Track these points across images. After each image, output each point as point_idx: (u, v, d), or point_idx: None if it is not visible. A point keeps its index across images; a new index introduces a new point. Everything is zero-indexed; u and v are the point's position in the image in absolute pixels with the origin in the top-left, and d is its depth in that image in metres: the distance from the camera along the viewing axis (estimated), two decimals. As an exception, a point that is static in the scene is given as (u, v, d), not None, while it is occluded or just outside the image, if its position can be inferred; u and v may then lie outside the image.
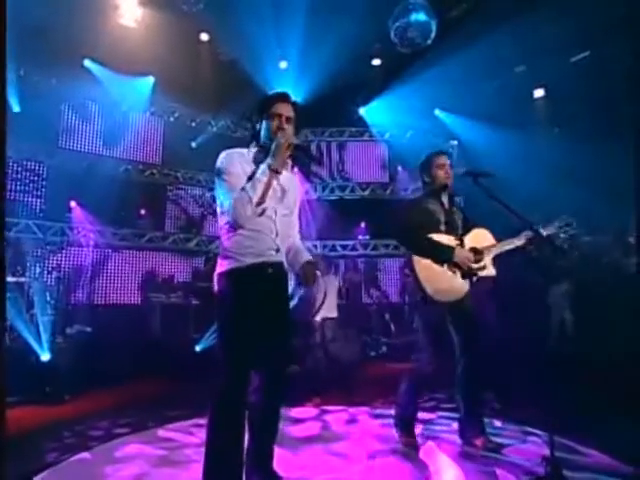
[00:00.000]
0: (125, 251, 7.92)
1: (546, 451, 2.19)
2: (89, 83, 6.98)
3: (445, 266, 2.71)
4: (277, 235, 2.14)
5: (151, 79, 7.74)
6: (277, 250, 2.14)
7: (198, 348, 6.14)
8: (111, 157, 7.83)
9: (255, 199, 1.99)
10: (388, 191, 9.50)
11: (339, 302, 7.49)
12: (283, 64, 8.77)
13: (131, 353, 5.63)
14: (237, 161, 2.10)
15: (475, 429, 2.82)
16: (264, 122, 2.15)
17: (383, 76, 8.89)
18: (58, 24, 5.91)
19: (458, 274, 2.71)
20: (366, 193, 9.57)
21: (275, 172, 2.02)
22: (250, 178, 2.03)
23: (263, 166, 2.02)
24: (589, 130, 7.30)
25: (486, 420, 2.97)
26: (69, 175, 6.99)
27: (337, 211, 9.29)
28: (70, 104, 7.32)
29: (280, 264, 2.17)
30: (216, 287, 2.12)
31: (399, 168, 9.66)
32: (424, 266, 2.72)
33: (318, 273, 2.32)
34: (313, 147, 9.99)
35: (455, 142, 9.44)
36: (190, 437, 3.19)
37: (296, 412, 3.85)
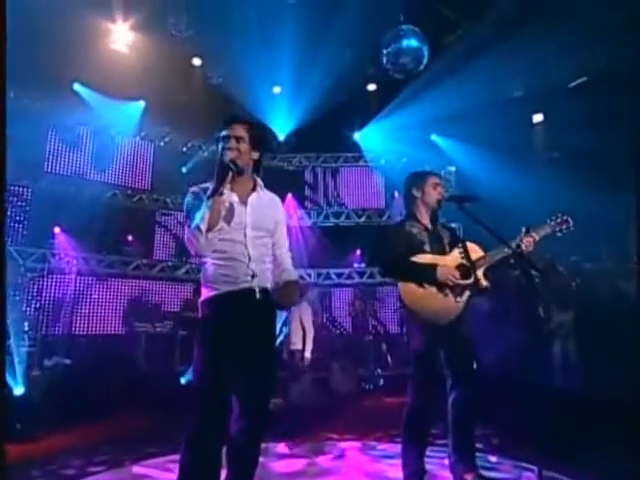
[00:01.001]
0: (110, 279, 7.85)
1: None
2: (78, 107, 7.09)
3: (434, 288, 2.63)
4: (250, 260, 2.10)
5: (141, 103, 7.86)
6: (252, 276, 2.10)
7: (183, 380, 6.01)
8: (99, 182, 7.86)
9: (203, 227, 1.97)
10: (384, 217, 9.53)
11: (337, 332, 7.48)
12: (276, 89, 8.95)
13: (112, 386, 5.49)
14: (194, 198, 2.14)
15: (466, 464, 2.70)
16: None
17: (378, 101, 9.07)
18: (49, 47, 6.03)
19: (449, 294, 2.63)
20: (362, 220, 9.60)
21: (218, 194, 2.00)
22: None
23: (209, 194, 2.02)
24: (589, 156, 7.40)
25: (481, 455, 2.90)
26: (54, 200, 6.99)
27: (332, 238, 9.29)
28: (58, 128, 7.39)
29: (258, 290, 2.12)
30: (199, 315, 2.14)
31: (395, 194, 9.72)
32: (410, 290, 2.66)
33: (297, 294, 2.27)
34: (307, 173, 10.12)
35: (453, 168, 9.55)
36: (166, 473, 3.10)
37: (281, 447, 3.77)
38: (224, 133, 2.14)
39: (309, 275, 9.14)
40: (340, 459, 3.49)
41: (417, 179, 2.89)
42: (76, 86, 7.06)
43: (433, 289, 2.62)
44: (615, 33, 6.86)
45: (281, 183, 9.77)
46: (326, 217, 9.68)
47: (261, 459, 3.33)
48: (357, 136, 9.60)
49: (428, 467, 2.80)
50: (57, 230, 7.15)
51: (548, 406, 4.77)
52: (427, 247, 2.75)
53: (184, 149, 8.85)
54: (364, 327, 8.82)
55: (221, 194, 2.02)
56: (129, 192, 8.20)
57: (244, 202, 2.15)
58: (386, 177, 9.76)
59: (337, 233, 9.38)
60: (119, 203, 8.00)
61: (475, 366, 2.72)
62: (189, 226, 2.04)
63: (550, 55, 7.45)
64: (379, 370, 7.24)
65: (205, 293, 2.12)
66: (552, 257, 7.33)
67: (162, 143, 8.68)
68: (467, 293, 2.64)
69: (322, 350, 7.07)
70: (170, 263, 8.46)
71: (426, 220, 2.83)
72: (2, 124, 1.30)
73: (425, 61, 6.36)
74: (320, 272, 9.21)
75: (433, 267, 2.61)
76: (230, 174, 2.03)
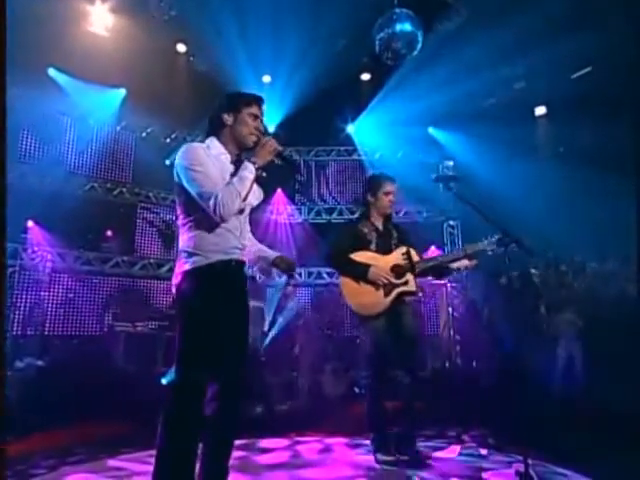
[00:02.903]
0: (88, 276, 7.83)
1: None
2: (54, 94, 7.06)
3: (367, 284, 3.14)
4: (241, 234, 2.29)
5: (122, 91, 7.84)
6: (241, 249, 2.29)
7: (164, 381, 6.00)
8: (76, 174, 7.83)
9: (244, 194, 2.12)
10: (379, 213, 9.57)
11: (329, 333, 7.50)
12: (266, 78, 8.96)
13: (87, 389, 5.44)
14: (205, 154, 2.19)
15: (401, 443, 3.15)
16: (238, 118, 2.27)
17: (373, 92, 9.11)
18: (22, 29, 6.01)
19: (380, 290, 3.15)
20: (355, 216, 9.55)
21: (261, 171, 2.20)
22: (233, 175, 2.18)
23: (249, 165, 2.17)
24: (595, 150, 7.46)
25: (472, 449, 3.27)
26: (28, 192, 6.96)
27: (324, 235, 9.32)
28: (33, 116, 7.36)
29: (244, 263, 2.33)
30: (179, 287, 2.17)
31: (391, 189, 9.78)
32: (345, 282, 3.19)
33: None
34: (299, 167, 10.14)
35: (451, 162, 9.61)
36: (143, 466, 3.11)
37: (266, 442, 3.88)
38: (253, 112, 2.28)
39: (300, 274, 9.16)
40: (325, 452, 3.60)
41: (372, 185, 3.40)
42: (51, 71, 7.04)
43: (366, 284, 3.14)
44: (620, 20, 6.96)
45: (271, 177, 9.79)
46: (318, 213, 9.71)
47: (245, 453, 3.44)
48: (350, 128, 9.64)
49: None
50: (30, 224, 7.12)
51: (547, 408, 4.84)
52: (373, 246, 3.26)
53: (167, 140, 8.84)
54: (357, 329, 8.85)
55: (261, 171, 2.22)
56: (108, 185, 8.17)
57: None
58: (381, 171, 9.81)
59: (329, 230, 9.41)
60: (98, 196, 7.97)
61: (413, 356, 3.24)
62: (221, 190, 2.08)
63: (553, 45, 7.51)
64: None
65: (189, 263, 2.16)
66: (555, 256, 7.40)
67: (144, 134, 8.67)
68: (396, 292, 3.15)
69: (313, 352, 7.09)
70: (152, 260, 8.45)
71: (378, 222, 3.36)
72: (2, 124, 1.34)
73: (419, 46, 6.40)
74: (311, 271, 9.23)
75: (367, 267, 3.11)
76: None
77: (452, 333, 8.59)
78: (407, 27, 6.16)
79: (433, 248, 8.34)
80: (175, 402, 2.04)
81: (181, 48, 8.22)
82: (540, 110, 8.96)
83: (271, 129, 9.41)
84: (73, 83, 7.19)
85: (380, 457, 3.11)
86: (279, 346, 7.09)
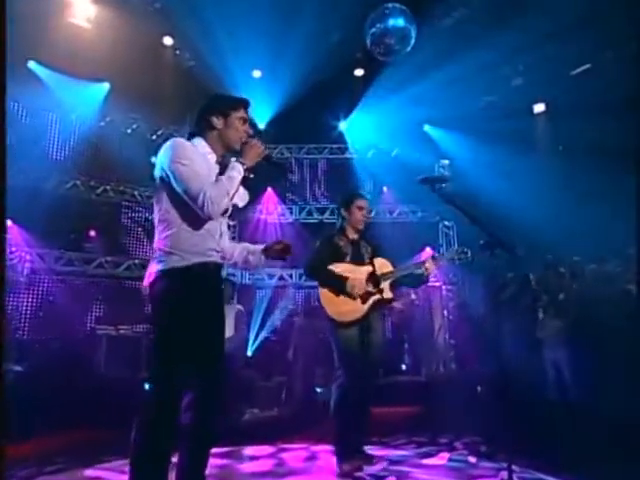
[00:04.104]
0: (69, 277, 7.79)
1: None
2: (35, 88, 7.02)
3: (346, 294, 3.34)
4: (220, 237, 2.29)
5: (106, 85, 7.83)
6: (219, 252, 2.29)
7: (147, 386, 5.97)
8: (57, 171, 7.78)
9: (232, 193, 2.15)
10: (372, 213, 9.56)
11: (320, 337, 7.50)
12: (257, 73, 8.96)
13: (67, 394, 5.44)
14: (192, 150, 2.21)
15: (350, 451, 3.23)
16: (227, 122, 2.31)
17: (367, 88, 9.11)
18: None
19: (357, 299, 3.37)
20: (347, 216, 9.61)
21: (248, 172, 2.22)
22: (220, 174, 2.21)
23: (238, 165, 2.20)
24: (594, 148, 7.48)
25: (461, 457, 3.30)
26: (6, 190, 6.92)
27: (316, 236, 9.30)
28: (12, 110, 7.32)
29: (221, 267, 2.33)
30: (153, 287, 2.17)
31: (384, 189, 9.79)
32: (324, 292, 3.40)
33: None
34: (290, 165, 10.12)
35: (447, 162, 9.63)
36: (121, 476, 3.08)
37: (250, 450, 3.89)
38: (245, 115, 2.35)
39: (290, 276, 9.16)
40: (311, 460, 3.62)
41: (345, 201, 3.64)
42: (31, 64, 7.01)
43: (344, 294, 3.35)
44: (620, 16, 7.00)
45: (260, 176, 9.77)
46: (309, 213, 9.72)
47: (228, 461, 3.45)
48: (343, 126, 9.67)
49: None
50: (9, 223, 7.07)
51: (543, 415, 4.85)
52: (348, 258, 3.51)
53: (153, 137, 8.81)
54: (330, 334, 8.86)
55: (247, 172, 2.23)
56: (92, 183, 8.14)
57: None
58: (374, 170, 9.79)
59: (321, 230, 9.40)
60: (80, 195, 7.95)
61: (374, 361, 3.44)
62: (195, 178, 2.10)
63: (552, 41, 7.54)
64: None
65: (165, 263, 2.15)
66: (554, 258, 7.42)
67: (129, 130, 8.64)
68: (372, 300, 3.40)
69: (303, 356, 7.08)
70: (137, 261, 8.41)
71: (353, 235, 3.61)
72: (2, 124, 1.41)
73: (412, 42, 6.42)
74: (302, 272, 9.22)
75: (345, 279, 3.34)
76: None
77: (447, 337, 8.61)
78: (400, 22, 6.18)
79: (428, 249, 8.35)
80: (149, 408, 2.04)
81: (167, 41, 8.20)
82: (539, 107, 8.99)
83: (261, 126, 9.42)
84: (54, 77, 7.17)
85: (345, 467, 3.18)
86: (267, 350, 7.09)
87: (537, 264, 7.22)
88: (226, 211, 2.22)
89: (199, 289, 2.15)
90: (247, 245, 2.52)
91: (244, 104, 2.37)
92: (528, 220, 8.01)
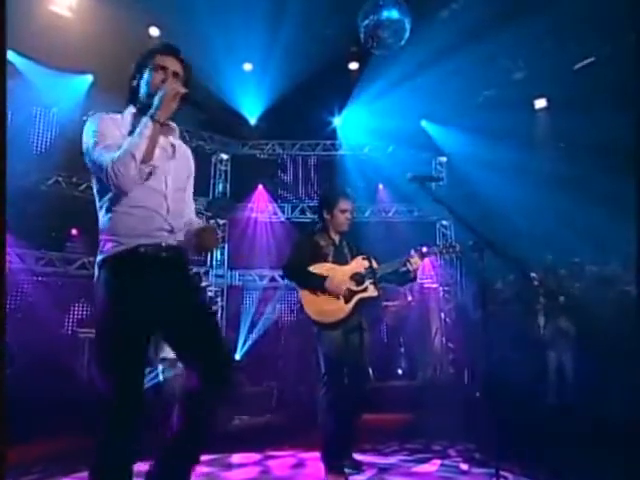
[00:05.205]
0: (50, 278, 7.73)
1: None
2: (12, 79, 6.95)
3: (326, 293, 3.28)
4: (169, 212, 2.08)
5: (89, 77, 7.74)
6: (170, 231, 2.08)
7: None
8: (38, 167, 7.69)
9: (138, 155, 1.92)
10: (367, 212, 9.54)
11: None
12: (247, 66, 8.88)
13: (47, 400, 5.40)
14: (112, 124, 2.08)
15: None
16: (144, 76, 2.14)
17: (361, 82, 9.07)
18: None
19: (340, 299, 3.31)
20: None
21: (159, 124, 2.01)
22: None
23: (145, 118, 2.00)
24: (597, 146, 7.46)
25: (453, 464, 3.35)
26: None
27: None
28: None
29: (175, 248, 2.10)
30: (94, 278, 2.04)
31: (379, 186, 9.76)
32: (305, 293, 3.34)
33: (219, 237, 2.28)
34: (281, 162, 10.10)
35: (444, 159, 9.62)
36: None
37: (236, 457, 3.88)
38: (163, 64, 2.13)
39: (281, 277, 9.11)
40: (298, 468, 3.62)
41: (328, 202, 3.52)
42: (10, 55, 6.93)
43: (325, 294, 3.28)
44: (626, 6, 6.97)
45: (251, 173, 9.75)
46: (302, 212, 9.67)
47: (211, 469, 3.43)
48: (337, 121, 9.61)
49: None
50: (-15, 222, 7.01)
51: (543, 420, 4.83)
52: (330, 258, 3.43)
53: (139, 132, 8.74)
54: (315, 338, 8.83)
55: (162, 124, 2.02)
56: (74, 179, 8.04)
57: (168, 147, 2.15)
58: (369, 167, 9.74)
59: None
60: (62, 191, 7.86)
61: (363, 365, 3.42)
62: (113, 153, 1.93)
63: (554, 32, 7.52)
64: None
65: (106, 250, 2.01)
66: (553, 259, 7.41)
67: (113, 124, 8.56)
68: (356, 298, 3.33)
69: (294, 360, 7.06)
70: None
71: (335, 236, 3.52)
72: (2, 124, 1.41)
73: (407, 35, 6.38)
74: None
75: (324, 278, 3.26)
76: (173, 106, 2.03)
77: (444, 340, 8.59)
78: (394, 14, 6.14)
79: (425, 249, 8.31)
80: (103, 411, 1.94)
81: (154, 32, 8.09)
82: (540, 103, 8.93)
83: (252, 121, 9.38)
84: (34, 68, 7.07)
85: (332, 478, 3.14)
86: (257, 354, 7.04)
87: (536, 265, 7.21)
88: (149, 175, 2.00)
89: (146, 275, 1.98)
90: (193, 222, 2.24)
91: (161, 49, 2.19)
92: (527, 219, 8.01)
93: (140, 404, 1.96)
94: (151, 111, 2.01)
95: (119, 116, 2.15)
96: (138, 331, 1.95)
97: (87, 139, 2.04)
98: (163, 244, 2.05)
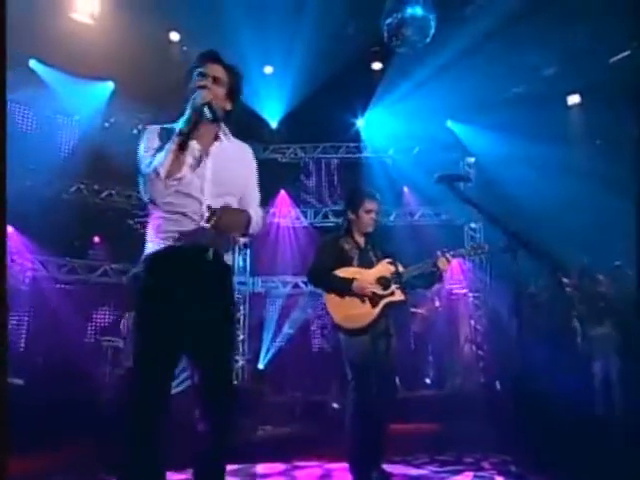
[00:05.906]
0: (73, 286, 7.86)
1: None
2: (35, 87, 7.12)
3: (353, 297, 3.27)
4: (202, 218, 2.11)
5: (110, 84, 7.88)
6: (202, 235, 2.10)
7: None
8: (60, 175, 7.85)
9: (162, 171, 1.97)
10: (392, 216, 9.45)
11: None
12: (268, 69, 8.93)
13: (70, 409, 5.44)
14: (156, 137, 2.15)
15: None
16: (188, 84, 2.19)
17: (385, 82, 9.02)
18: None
19: (367, 303, 3.29)
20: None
21: (183, 136, 2.01)
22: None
23: (175, 132, 2.04)
24: (635, 142, 7.26)
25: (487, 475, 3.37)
26: (7, 195, 7.00)
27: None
28: (12, 111, 7.43)
29: (209, 249, 2.11)
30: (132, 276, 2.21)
31: (405, 189, 9.67)
32: (330, 297, 3.34)
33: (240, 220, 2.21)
34: (304, 166, 10.09)
35: (472, 159, 9.48)
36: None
37: (262, 467, 3.90)
38: (200, 70, 2.17)
39: (305, 283, 9.08)
40: (325, 479, 3.64)
41: (353, 202, 3.53)
42: (32, 63, 7.11)
43: (352, 298, 3.28)
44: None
45: (273, 177, 9.76)
46: (325, 216, 9.60)
47: (237, 479, 3.42)
48: (360, 123, 9.56)
49: None
50: (10, 229, 7.15)
51: (580, 434, 4.68)
52: (355, 262, 3.41)
53: (160, 138, 8.84)
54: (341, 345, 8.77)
55: (189, 138, 2.04)
56: (96, 187, 8.20)
57: (206, 152, 2.14)
58: (394, 170, 9.65)
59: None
60: (84, 199, 8.02)
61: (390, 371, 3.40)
62: (145, 168, 2.05)
63: (587, 25, 7.37)
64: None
65: (146, 249, 2.14)
66: (590, 262, 7.21)
67: (135, 131, 8.65)
68: (383, 302, 3.31)
69: (318, 368, 7.03)
70: (144, 269, 8.44)
71: (360, 239, 3.51)
72: (2, 124, 1.38)
73: (432, 32, 6.32)
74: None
75: (350, 281, 3.26)
76: (203, 117, 2.03)
77: (474, 348, 8.44)
78: (418, 11, 6.09)
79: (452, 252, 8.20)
80: (129, 407, 2.01)
81: (174, 37, 8.20)
82: (573, 99, 8.74)
83: (274, 125, 9.41)
84: (56, 76, 7.24)
85: None
86: (280, 363, 7.03)
87: (572, 268, 7.04)
88: (177, 187, 2.03)
89: (176, 273, 2.05)
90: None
91: (205, 57, 2.22)
92: (562, 220, 7.82)
93: (166, 404, 2.04)
94: (179, 124, 2.05)
95: (159, 128, 2.22)
96: (161, 324, 2.02)
97: (138, 152, 2.15)
98: (193, 244, 2.08)
